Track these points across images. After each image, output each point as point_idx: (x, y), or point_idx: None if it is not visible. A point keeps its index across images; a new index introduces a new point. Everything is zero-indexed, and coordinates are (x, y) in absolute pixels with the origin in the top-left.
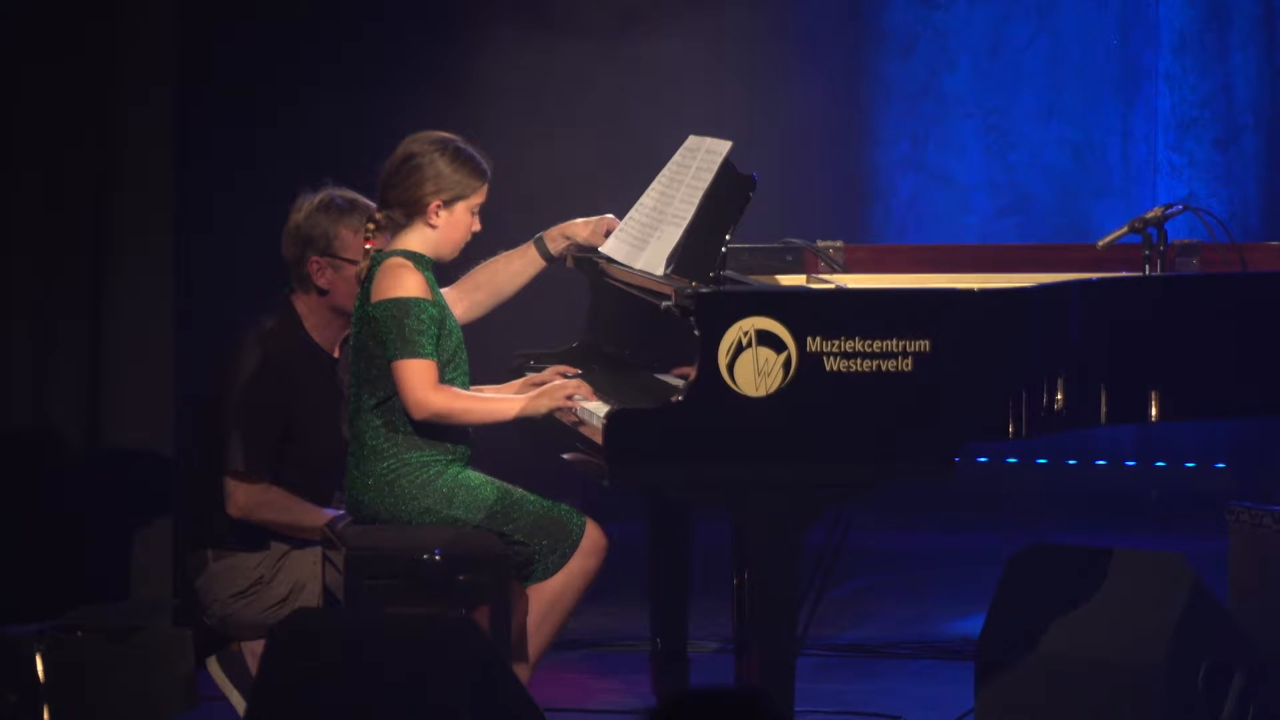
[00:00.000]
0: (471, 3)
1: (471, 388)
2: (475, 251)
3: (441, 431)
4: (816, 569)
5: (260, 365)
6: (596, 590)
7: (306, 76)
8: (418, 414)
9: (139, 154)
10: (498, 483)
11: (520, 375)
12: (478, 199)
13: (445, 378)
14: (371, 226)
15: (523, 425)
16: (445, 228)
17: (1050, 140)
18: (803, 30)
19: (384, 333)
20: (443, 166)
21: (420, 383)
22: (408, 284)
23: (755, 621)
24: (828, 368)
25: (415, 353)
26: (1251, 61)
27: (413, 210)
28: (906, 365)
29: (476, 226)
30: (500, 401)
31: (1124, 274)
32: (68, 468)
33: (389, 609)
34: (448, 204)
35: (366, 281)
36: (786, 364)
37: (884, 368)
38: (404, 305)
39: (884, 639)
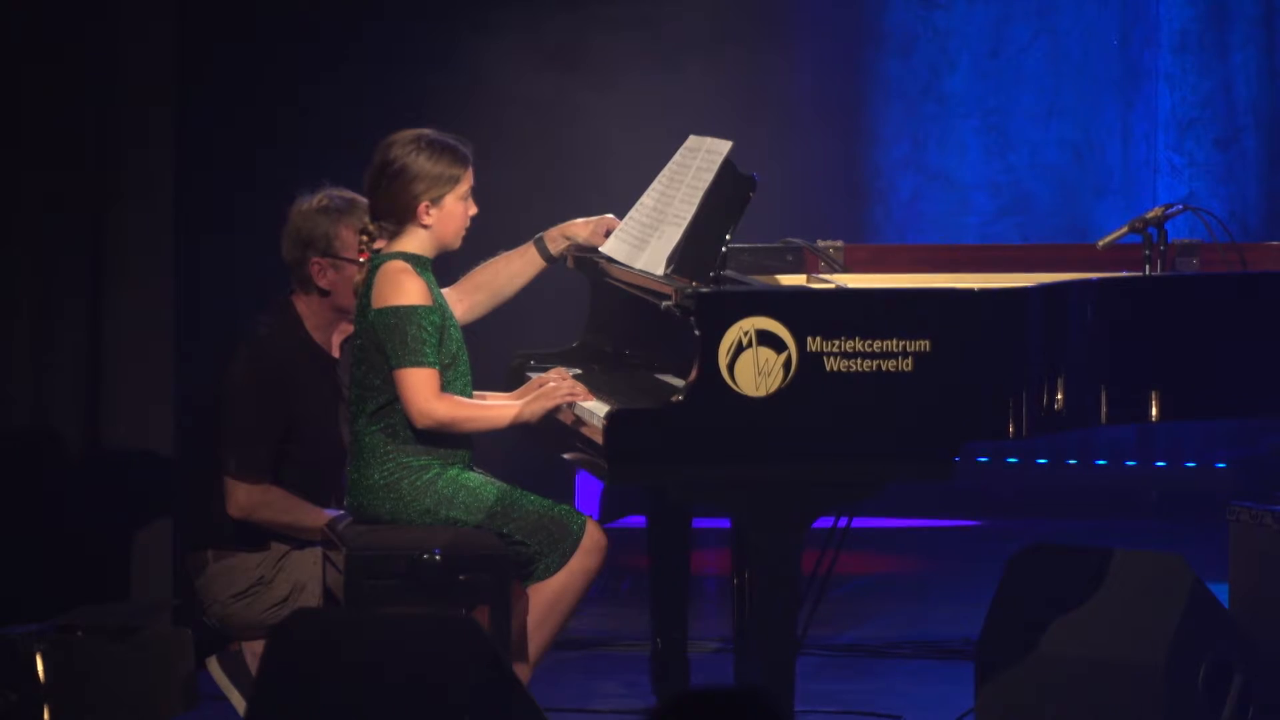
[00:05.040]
0: (473, 3)
1: (483, 396)
2: (475, 255)
3: (442, 437)
4: (816, 569)
5: (260, 366)
6: (596, 590)
7: (307, 78)
8: (421, 423)
9: (139, 154)
10: (498, 483)
11: (520, 375)
12: (465, 186)
13: (446, 380)
14: (365, 239)
15: (523, 426)
16: (440, 224)
17: (1050, 140)
18: (803, 30)
19: (386, 341)
20: (424, 164)
21: (424, 392)
22: (409, 291)
23: (755, 621)
24: (828, 368)
25: (418, 361)
26: (1251, 61)
27: (404, 215)
28: (906, 365)
29: (473, 210)
30: (499, 408)
31: (1124, 274)
32: (67, 468)
33: (389, 609)
34: (436, 201)
35: (365, 288)
36: (787, 364)
37: (884, 368)
38: (406, 313)
39: (884, 639)
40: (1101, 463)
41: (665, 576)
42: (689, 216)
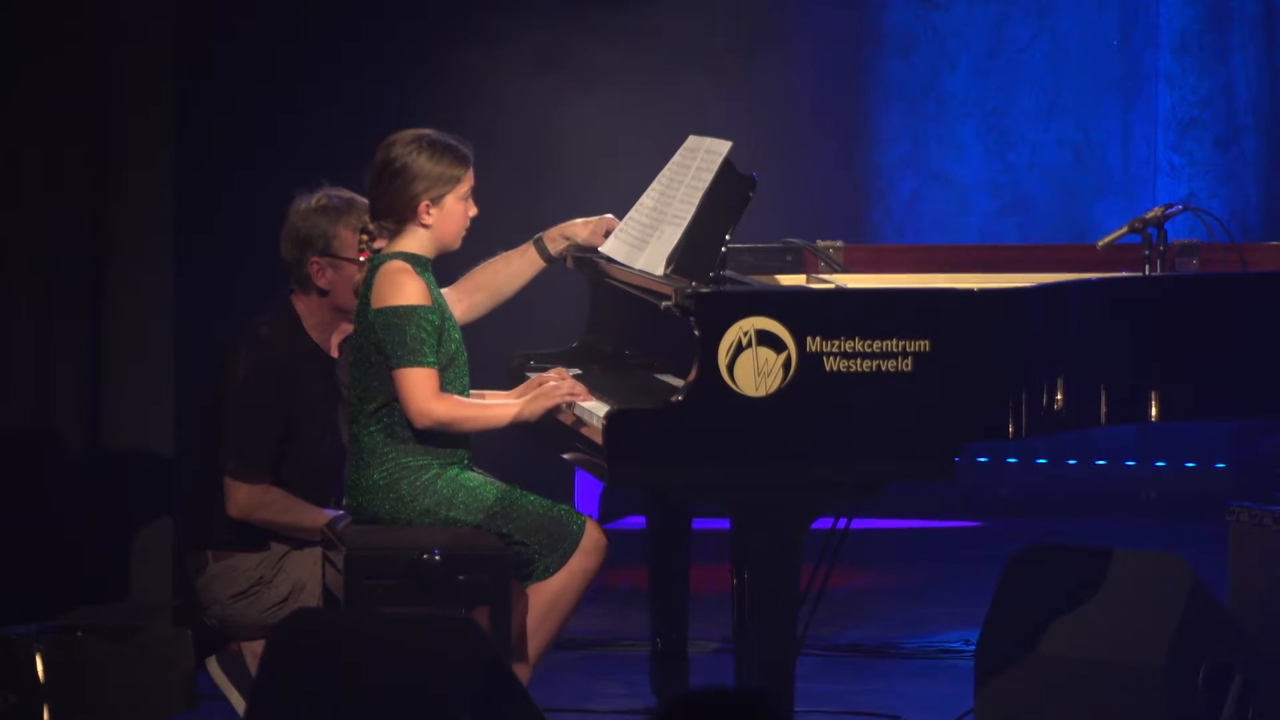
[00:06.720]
0: (473, 6)
1: (482, 395)
2: (475, 255)
3: (441, 436)
4: (816, 569)
5: (260, 366)
6: (596, 590)
7: (306, 76)
8: (420, 423)
9: (139, 154)
10: (497, 483)
11: (520, 375)
12: (465, 186)
13: (445, 380)
14: (365, 238)
15: (523, 426)
16: (439, 223)
17: (1050, 140)
18: (802, 31)
19: (385, 341)
20: (424, 163)
21: (422, 392)
22: (408, 290)
23: (755, 621)
24: (827, 368)
25: (417, 361)
26: (1251, 61)
27: (404, 215)
28: (906, 365)
29: (473, 211)
30: (498, 407)
31: (1124, 274)
32: (68, 468)
33: (389, 609)
34: (436, 200)
35: (365, 287)
36: (786, 364)
37: (884, 368)
38: (405, 313)
39: (884, 639)
40: (1101, 463)
41: (665, 576)
42: (689, 216)
